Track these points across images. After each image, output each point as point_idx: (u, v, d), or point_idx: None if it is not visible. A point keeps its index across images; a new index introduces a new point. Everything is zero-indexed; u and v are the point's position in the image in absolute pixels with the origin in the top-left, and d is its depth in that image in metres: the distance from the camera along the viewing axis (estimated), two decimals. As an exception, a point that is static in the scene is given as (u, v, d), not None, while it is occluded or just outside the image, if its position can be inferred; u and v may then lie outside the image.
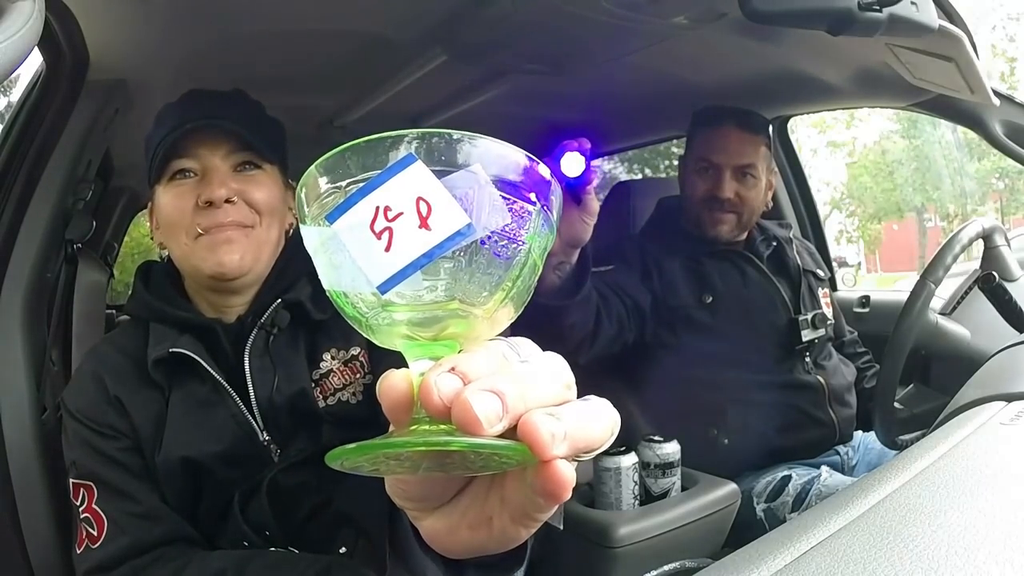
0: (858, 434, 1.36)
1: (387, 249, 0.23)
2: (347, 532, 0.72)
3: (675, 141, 1.94)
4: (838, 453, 1.31)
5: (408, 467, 0.27)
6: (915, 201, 10.68)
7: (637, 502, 1.04)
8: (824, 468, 1.20)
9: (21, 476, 0.82)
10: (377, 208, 0.23)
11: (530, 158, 0.26)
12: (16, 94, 1.05)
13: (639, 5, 0.95)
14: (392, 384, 0.25)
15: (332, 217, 0.24)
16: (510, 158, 0.25)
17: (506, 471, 0.27)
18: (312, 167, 0.25)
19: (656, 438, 1.07)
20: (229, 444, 0.73)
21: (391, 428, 0.27)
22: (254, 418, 0.74)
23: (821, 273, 1.44)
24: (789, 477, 1.19)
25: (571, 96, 1.59)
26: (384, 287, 0.24)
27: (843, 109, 1.86)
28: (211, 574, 0.67)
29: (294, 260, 0.80)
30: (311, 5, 1.02)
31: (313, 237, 0.25)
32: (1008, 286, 1.07)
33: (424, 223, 0.23)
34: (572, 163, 0.65)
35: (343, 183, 0.24)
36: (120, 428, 0.74)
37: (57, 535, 0.84)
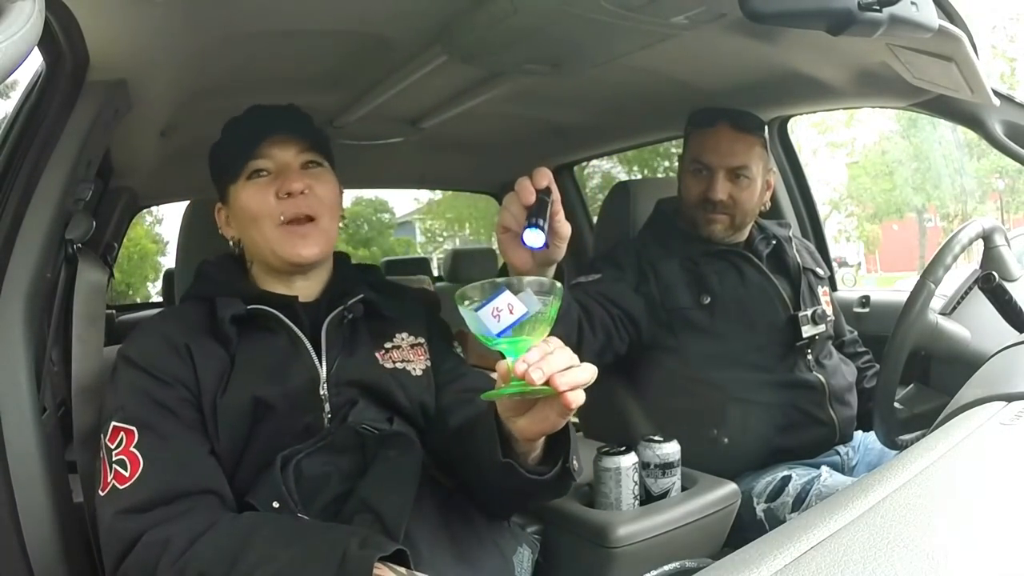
0: (858, 434, 1.36)
1: (498, 322, 0.60)
2: (366, 517, 0.76)
3: (675, 141, 1.94)
4: (838, 453, 1.31)
5: (511, 397, 0.65)
6: (915, 201, 10.69)
7: (637, 502, 1.04)
8: (824, 468, 1.20)
9: (21, 476, 0.82)
10: (492, 308, 0.60)
11: (550, 281, 0.62)
12: (16, 94, 1.06)
13: (639, 5, 0.95)
14: (502, 366, 0.61)
15: (476, 308, 0.61)
16: (542, 282, 0.62)
17: (550, 398, 0.63)
18: (464, 289, 0.62)
19: (656, 438, 1.07)
20: (295, 386, 0.82)
21: (498, 384, 0.63)
22: (321, 368, 0.84)
23: (821, 271, 1.44)
24: (789, 477, 1.19)
25: (571, 96, 1.59)
26: (499, 335, 0.61)
27: (843, 109, 1.87)
28: (241, 530, 0.69)
29: (354, 269, 0.97)
30: (311, 5, 1.02)
31: (469, 316, 0.61)
32: (1008, 286, 1.08)
33: (510, 312, 0.60)
34: (533, 238, 0.77)
35: (478, 298, 0.61)
36: (182, 378, 0.79)
37: (57, 535, 0.84)
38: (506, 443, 0.72)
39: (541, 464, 0.74)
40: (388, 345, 0.90)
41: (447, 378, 0.92)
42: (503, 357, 0.63)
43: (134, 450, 0.73)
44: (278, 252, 0.86)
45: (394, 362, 0.89)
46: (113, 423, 0.75)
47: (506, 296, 0.60)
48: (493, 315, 0.60)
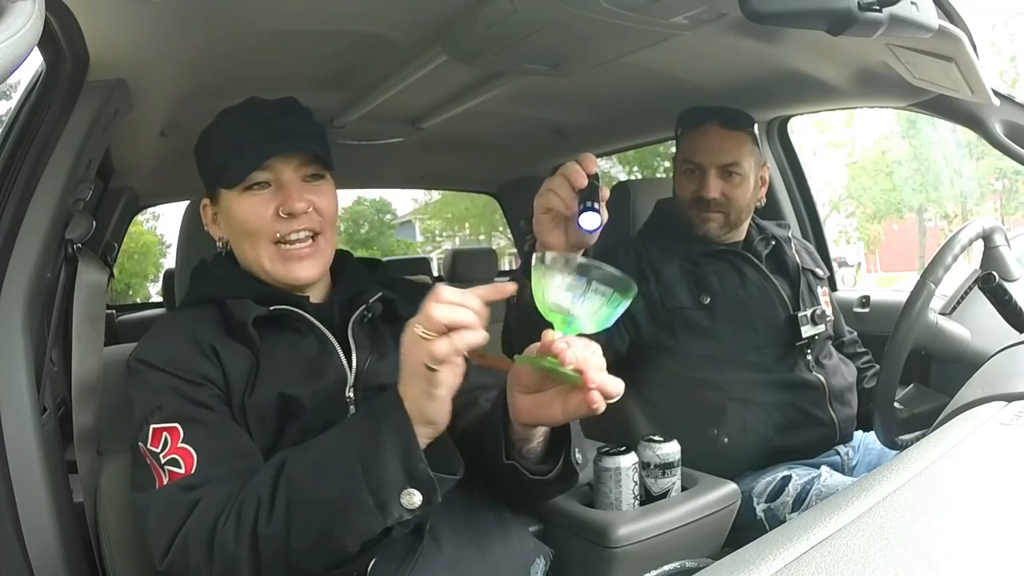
0: (858, 434, 1.36)
1: (569, 300, 0.59)
2: None
3: (674, 141, 1.94)
4: (838, 453, 1.31)
5: (536, 370, 0.63)
6: (915, 201, 10.70)
7: (637, 502, 1.04)
8: (824, 468, 1.20)
9: (21, 476, 0.82)
10: (567, 283, 0.60)
11: (629, 279, 0.60)
12: (16, 94, 1.06)
13: (639, 5, 0.95)
14: (548, 334, 0.59)
15: (552, 276, 0.60)
16: (625, 280, 0.59)
17: (570, 391, 0.62)
18: (547, 253, 0.60)
19: (656, 438, 1.07)
20: (325, 385, 0.80)
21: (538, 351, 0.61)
22: (349, 372, 0.82)
23: (820, 272, 1.44)
24: (789, 477, 1.19)
25: (571, 96, 1.59)
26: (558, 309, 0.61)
27: (843, 109, 1.86)
28: (275, 465, 0.68)
29: (363, 267, 0.94)
30: (311, 5, 1.02)
31: (542, 280, 0.60)
32: (1008, 286, 1.08)
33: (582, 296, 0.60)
34: (589, 220, 0.76)
35: (558, 268, 0.60)
36: (211, 377, 0.77)
37: (57, 535, 0.84)
38: (511, 444, 0.72)
39: (543, 461, 0.74)
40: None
41: None
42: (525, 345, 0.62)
43: (184, 445, 0.71)
44: (272, 272, 0.83)
45: None
46: (152, 426, 0.73)
47: (584, 283, 0.58)
48: (566, 290, 0.59)
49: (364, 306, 0.86)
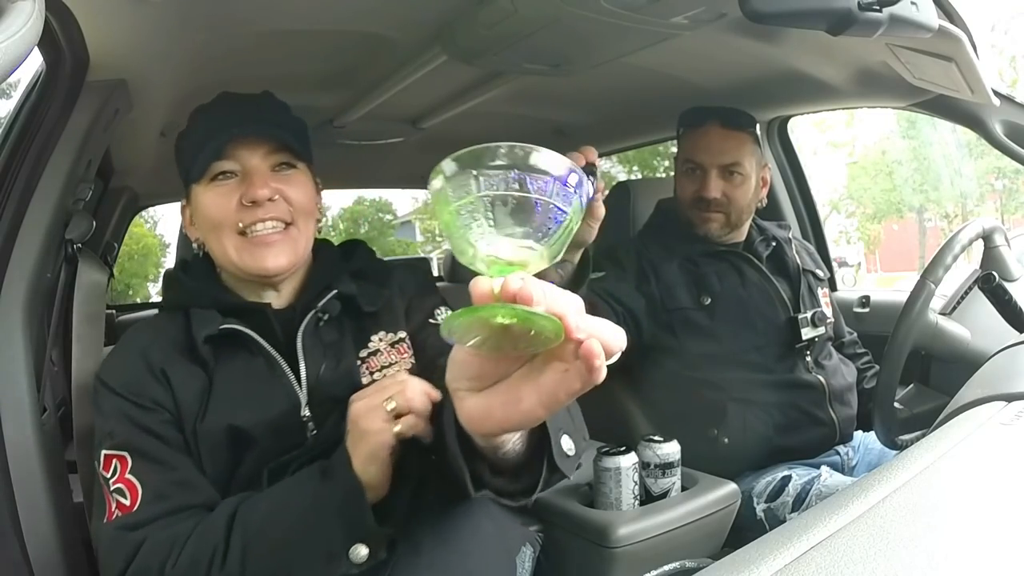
0: (858, 434, 1.36)
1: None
2: None
3: (675, 141, 1.94)
4: (838, 453, 1.31)
5: (481, 339, 0.39)
6: (915, 201, 10.70)
7: (637, 502, 1.04)
8: (824, 468, 1.20)
9: (21, 476, 0.82)
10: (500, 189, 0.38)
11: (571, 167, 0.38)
12: (16, 94, 1.06)
13: (639, 5, 0.95)
14: (481, 284, 0.37)
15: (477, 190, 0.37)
16: (560, 163, 0.37)
17: (544, 363, 0.40)
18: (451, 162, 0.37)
19: (656, 438, 1.07)
20: (276, 413, 0.77)
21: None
22: (301, 392, 0.79)
23: (820, 273, 1.44)
24: (789, 477, 1.19)
25: (571, 96, 1.59)
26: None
27: (843, 109, 1.87)
28: (227, 512, 0.69)
29: (335, 260, 0.88)
30: (311, 5, 1.02)
31: (450, 196, 0.37)
32: (1008, 286, 1.08)
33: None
34: None
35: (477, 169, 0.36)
36: (162, 401, 0.76)
37: (57, 535, 0.84)
38: (476, 460, 0.57)
39: (527, 459, 0.57)
40: (364, 353, 0.83)
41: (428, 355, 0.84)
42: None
43: (130, 476, 0.71)
44: (239, 264, 0.80)
45: (372, 372, 0.82)
46: (104, 451, 0.73)
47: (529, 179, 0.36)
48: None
49: (315, 311, 0.82)
